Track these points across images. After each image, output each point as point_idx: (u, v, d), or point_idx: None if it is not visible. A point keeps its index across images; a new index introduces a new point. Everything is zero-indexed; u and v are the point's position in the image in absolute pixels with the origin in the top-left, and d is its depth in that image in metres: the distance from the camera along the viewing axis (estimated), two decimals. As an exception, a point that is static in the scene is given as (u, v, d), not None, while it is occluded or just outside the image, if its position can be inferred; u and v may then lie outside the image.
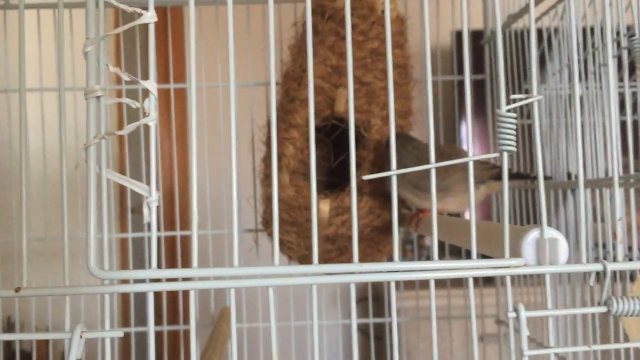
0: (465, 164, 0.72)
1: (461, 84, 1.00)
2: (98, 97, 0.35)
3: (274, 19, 0.39)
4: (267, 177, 0.79)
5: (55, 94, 0.88)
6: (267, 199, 0.80)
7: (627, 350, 0.60)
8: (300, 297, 0.94)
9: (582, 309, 0.37)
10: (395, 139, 0.74)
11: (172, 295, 1.08)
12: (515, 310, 0.36)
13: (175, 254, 0.94)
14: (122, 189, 1.40)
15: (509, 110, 0.37)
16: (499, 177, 0.68)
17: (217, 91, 0.91)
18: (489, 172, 0.69)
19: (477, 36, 1.32)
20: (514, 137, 0.37)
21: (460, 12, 0.37)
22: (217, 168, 0.92)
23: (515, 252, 0.37)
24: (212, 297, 0.93)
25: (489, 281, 1.07)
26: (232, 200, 0.38)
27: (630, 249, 0.62)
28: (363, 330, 1.26)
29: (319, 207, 0.75)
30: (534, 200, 0.84)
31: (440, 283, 1.05)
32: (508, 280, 0.37)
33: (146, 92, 0.36)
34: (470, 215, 0.37)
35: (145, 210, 0.35)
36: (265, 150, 0.82)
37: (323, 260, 0.77)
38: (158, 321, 0.96)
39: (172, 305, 1.04)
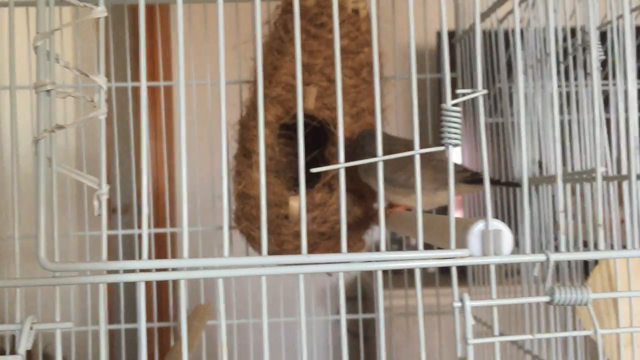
0: (431, 159, 0.73)
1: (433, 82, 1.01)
2: (48, 91, 0.36)
3: (246, 17, 0.39)
4: (239, 174, 0.79)
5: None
6: (239, 196, 0.80)
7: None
8: (289, 295, 0.94)
9: (526, 298, 0.37)
10: (366, 134, 0.75)
11: (159, 290, 1.08)
12: (461, 300, 0.37)
13: (151, 249, 0.95)
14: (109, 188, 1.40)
15: (454, 105, 0.38)
16: (470, 181, 0.69)
17: (193, 90, 0.91)
18: (460, 174, 0.70)
19: (450, 36, 1.33)
20: (458, 131, 0.38)
21: (440, 11, 0.38)
22: (191, 166, 0.92)
23: (462, 244, 0.38)
24: (170, 294, 0.93)
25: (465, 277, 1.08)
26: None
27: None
28: (350, 330, 1.26)
29: (289, 203, 0.75)
30: (514, 196, 0.85)
31: (429, 282, 1.07)
32: (454, 271, 0.37)
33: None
34: (417, 209, 0.38)
35: (95, 202, 0.36)
36: (237, 147, 0.83)
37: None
38: (148, 317, 0.96)
39: (149, 303, 1.04)
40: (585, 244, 0.61)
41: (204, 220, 0.92)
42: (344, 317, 0.37)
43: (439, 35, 1.38)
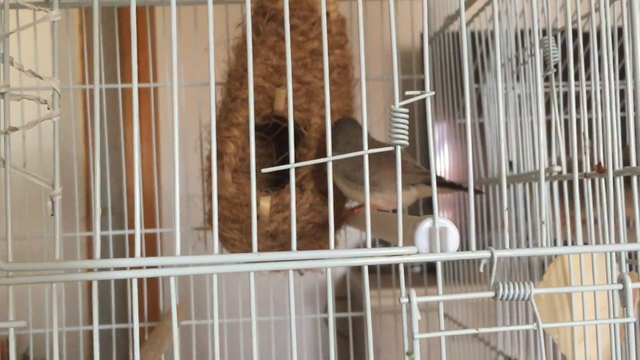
0: (403, 164, 0.75)
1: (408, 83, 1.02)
2: (2, 94, 0.36)
3: (220, 18, 0.40)
4: (211, 175, 0.80)
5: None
6: (211, 197, 0.81)
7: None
8: (280, 294, 0.95)
9: (471, 293, 0.39)
10: (340, 123, 0.76)
11: (123, 291, 1.08)
12: (408, 296, 0.38)
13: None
14: (88, 189, 1.40)
15: (402, 106, 0.39)
16: (427, 183, 0.70)
17: (165, 91, 0.92)
18: (422, 176, 0.71)
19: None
20: (406, 132, 0.39)
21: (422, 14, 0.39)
22: (168, 167, 0.93)
23: (410, 241, 0.39)
24: (161, 294, 0.94)
25: (433, 279, 1.09)
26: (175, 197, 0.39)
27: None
28: (339, 331, 1.27)
29: (260, 204, 0.76)
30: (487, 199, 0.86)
31: (418, 282, 1.08)
32: (401, 268, 0.39)
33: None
34: (365, 208, 0.39)
35: (49, 203, 0.37)
36: (209, 148, 0.83)
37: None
38: (109, 319, 0.96)
39: (124, 304, 1.04)
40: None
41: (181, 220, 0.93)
42: (332, 315, 0.38)
43: (422, 37, 1.39)
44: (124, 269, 0.37)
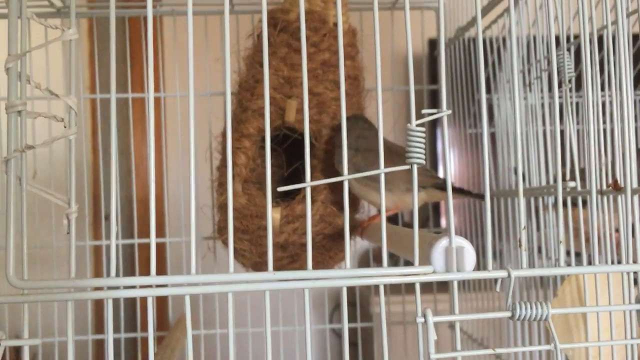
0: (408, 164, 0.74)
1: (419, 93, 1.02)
2: (19, 112, 0.37)
3: (231, 29, 0.40)
4: (221, 185, 0.80)
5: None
6: (221, 207, 0.81)
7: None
8: (288, 304, 0.95)
9: (487, 313, 0.38)
10: (352, 120, 0.76)
11: (132, 302, 1.08)
12: (424, 315, 0.38)
13: (140, 260, 0.95)
14: (95, 194, 1.41)
15: (419, 125, 0.39)
16: (442, 187, 0.70)
17: (176, 101, 0.92)
18: (432, 179, 0.71)
19: (433, 47, 1.34)
20: (422, 151, 0.38)
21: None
22: (175, 176, 0.93)
23: (426, 260, 0.39)
24: (170, 304, 0.94)
25: (442, 287, 1.08)
26: (190, 209, 0.39)
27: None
28: (339, 334, 1.27)
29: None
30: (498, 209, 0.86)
31: (427, 289, 1.07)
32: (417, 287, 0.38)
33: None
34: (381, 225, 0.39)
35: (65, 221, 0.36)
36: (220, 159, 0.83)
37: (276, 267, 0.78)
38: (118, 329, 0.96)
39: (131, 313, 1.04)
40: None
41: (187, 230, 0.93)
42: (346, 339, 0.38)
43: (431, 42, 1.39)
44: (134, 287, 0.37)
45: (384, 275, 0.38)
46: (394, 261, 1.46)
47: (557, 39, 0.63)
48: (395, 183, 0.71)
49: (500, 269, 0.38)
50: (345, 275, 0.38)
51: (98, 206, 1.28)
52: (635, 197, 0.44)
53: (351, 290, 1.40)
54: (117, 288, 0.37)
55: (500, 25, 0.82)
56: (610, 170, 0.50)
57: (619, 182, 0.46)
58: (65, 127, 0.36)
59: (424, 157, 0.39)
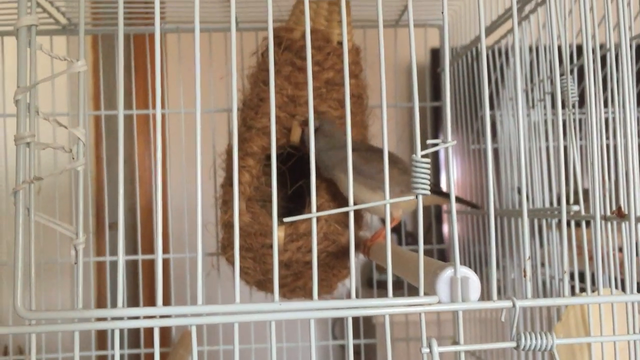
0: (402, 163, 0.74)
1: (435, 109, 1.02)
2: (28, 144, 0.37)
3: (235, 46, 0.41)
4: (225, 203, 0.80)
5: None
6: (225, 225, 0.81)
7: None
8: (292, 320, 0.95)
9: (492, 344, 0.38)
10: (321, 126, 0.76)
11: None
12: (429, 345, 0.38)
13: (152, 281, 0.95)
14: (99, 203, 1.41)
15: (423, 156, 0.39)
16: (435, 191, 0.70)
17: (180, 118, 0.93)
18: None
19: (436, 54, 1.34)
20: (428, 182, 0.39)
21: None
22: (179, 193, 0.93)
23: (431, 287, 0.39)
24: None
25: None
26: (197, 231, 0.39)
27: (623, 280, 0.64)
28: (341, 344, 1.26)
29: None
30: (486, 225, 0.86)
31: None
32: (422, 318, 0.38)
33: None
34: (387, 255, 0.39)
35: (72, 252, 0.37)
36: (223, 176, 0.84)
37: (280, 285, 0.78)
38: (121, 344, 0.96)
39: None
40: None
41: (190, 246, 0.93)
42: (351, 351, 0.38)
43: (433, 52, 1.40)
44: (137, 317, 0.37)
45: (390, 305, 0.38)
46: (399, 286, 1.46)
47: (560, 56, 0.63)
48: (390, 185, 0.71)
49: (505, 299, 0.38)
50: (351, 306, 0.38)
51: (102, 215, 1.29)
52: None
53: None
54: (121, 319, 0.37)
55: (503, 44, 0.83)
56: (614, 194, 0.51)
57: (622, 209, 0.46)
58: (73, 158, 0.37)
59: (428, 188, 0.39)
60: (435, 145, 0.39)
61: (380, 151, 0.69)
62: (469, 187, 0.99)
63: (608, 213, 0.49)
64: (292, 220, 0.39)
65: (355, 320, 1.12)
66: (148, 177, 1.47)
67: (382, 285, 1.10)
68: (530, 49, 0.74)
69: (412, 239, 1.33)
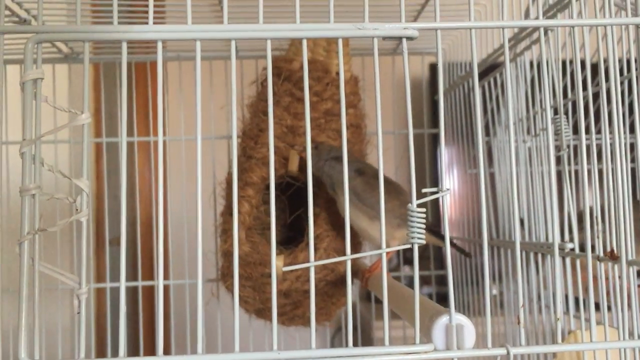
0: (404, 195, 0.74)
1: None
2: (33, 195, 0.38)
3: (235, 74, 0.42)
4: (225, 232, 0.81)
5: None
6: (224, 254, 0.82)
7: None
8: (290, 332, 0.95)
9: (487, 390, 0.39)
10: (319, 146, 0.77)
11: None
12: (426, 393, 0.38)
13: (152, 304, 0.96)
14: (99, 219, 1.42)
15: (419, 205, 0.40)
16: (431, 230, 0.71)
17: (181, 145, 0.94)
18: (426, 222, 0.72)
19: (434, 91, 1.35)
20: (423, 231, 0.40)
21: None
22: (179, 219, 0.94)
23: (427, 333, 0.40)
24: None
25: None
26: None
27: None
28: None
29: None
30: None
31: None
32: (419, 365, 0.39)
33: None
34: (384, 306, 0.40)
35: (75, 302, 0.38)
36: (223, 204, 0.85)
37: (278, 314, 0.79)
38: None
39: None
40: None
41: (190, 273, 0.94)
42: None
43: (431, 67, 1.41)
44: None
45: (387, 353, 0.39)
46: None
47: (554, 91, 0.64)
48: (386, 216, 0.71)
49: (500, 346, 0.39)
50: (350, 354, 0.38)
51: (101, 229, 1.29)
52: (632, 268, 0.45)
53: (352, 313, 1.40)
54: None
55: (498, 75, 0.84)
56: (608, 234, 0.51)
57: (615, 252, 0.47)
58: (77, 210, 0.38)
59: (424, 237, 0.40)
60: (433, 193, 0.40)
61: (386, 180, 0.70)
62: (467, 211, 1.00)
63: (601, 254, 0.50)
64: (290, 269, 0.40)
65: (354, 332, 1.13)
66: (148, 194, 1.48)
67: (380, 300, 1.10)
68: (525, 80, 0.76)
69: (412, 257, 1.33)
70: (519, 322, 0.40)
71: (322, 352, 0.38)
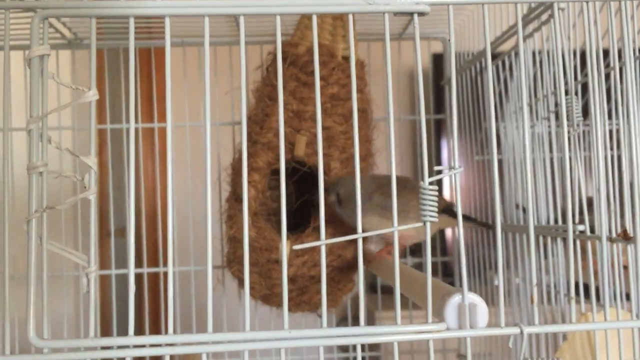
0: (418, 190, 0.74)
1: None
2: (40, 173, 0.37)
3: (237, 60, 0.41)
4: (230, 218, 0.81)
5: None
6: (230, 240, 0.81)
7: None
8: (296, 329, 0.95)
9: (500, 370, 0.39)
10: (341, 180, 0.76)
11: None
12: (438, 372, 0.38)
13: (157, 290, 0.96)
14: (102, 210, 1.41)
15: (431, 183, 0.39)
16: (445, 211, 0.70)
17: (185, 131, 0.93)
18: (443, 202, 0.71)
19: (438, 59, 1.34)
20: (435, 209, 0.39)
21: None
22: (184, 206, 0.94)
23: (439, 312, 0.40)
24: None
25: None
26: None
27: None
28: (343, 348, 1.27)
29: (279, 248, 0.77)
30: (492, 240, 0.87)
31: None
32: (431, 344, 0.39)
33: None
34: (395, 286, 0.39)
35: (84, 280, 0.37)
36: (229, 191, 0.84)
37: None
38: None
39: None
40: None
41: (196, 259, 0.93)
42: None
43: (435, 57, 1.40)
44: (159, 345, 0.37)
45: (398, 332, 0.38)
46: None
47: (565, 71, 0.63)
48: (411, 212, 0.71)
49: (513, 325, 0.39)
50: (360, 333, 0.38)
51: (105, 220, 1.29)
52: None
53: (355, 303, 1.40)
54: (127, 347, 0.37)
55: (507, 58, 0.83)
56: (619, 210, 0.51)
57: (628, 231, 0.46)
58: (85, 187, 0.37)
59: (436, 215, 0.39)
60: (444, 172, 0.40)
61: (406, 184, 0.69)
62: (473, 198, 0.99)
63: (614, 234, 0.49)
64: (301, 247, 0.39)
65: (357, 323, 1.13)
66: (152, 182, 1.48)
67: (386, 290, 1.10)
68: (534, 62, 0.75)
69: (417, 248, 1.33)
70: (532, 302, 0.39)
71: (333, 331, 0.38)
